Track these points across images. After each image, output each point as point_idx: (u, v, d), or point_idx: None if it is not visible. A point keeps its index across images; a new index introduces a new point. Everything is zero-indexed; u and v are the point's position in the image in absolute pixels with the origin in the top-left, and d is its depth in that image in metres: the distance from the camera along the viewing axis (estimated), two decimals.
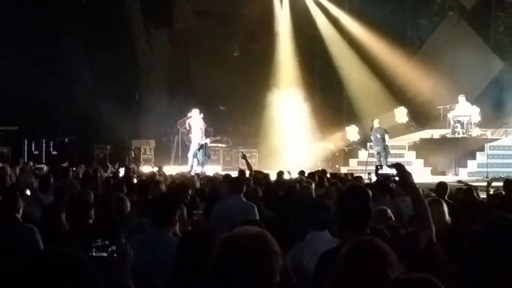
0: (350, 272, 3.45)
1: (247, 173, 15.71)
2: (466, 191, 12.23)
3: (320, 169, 19.68)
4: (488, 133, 27.99)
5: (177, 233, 6.87)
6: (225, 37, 32.56)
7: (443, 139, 28.03)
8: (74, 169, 18.33)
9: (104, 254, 4.13)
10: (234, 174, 15.49)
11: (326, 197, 10.71)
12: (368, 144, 27.57)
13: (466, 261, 4.84)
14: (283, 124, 30.25)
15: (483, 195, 13.26)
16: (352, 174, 19.65)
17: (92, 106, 27.58)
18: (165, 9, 31.64)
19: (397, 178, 5.18)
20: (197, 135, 25.87)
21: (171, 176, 18.18)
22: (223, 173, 17.43)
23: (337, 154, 30.65)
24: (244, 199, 10.06)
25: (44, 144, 30.09)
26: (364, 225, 4.99)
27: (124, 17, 31.03)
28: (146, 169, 24.59)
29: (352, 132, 30.52)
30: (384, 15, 31.26)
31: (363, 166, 25.91)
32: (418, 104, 31.37)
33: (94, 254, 4.10)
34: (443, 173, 26.12)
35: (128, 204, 9.79)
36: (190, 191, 11.74)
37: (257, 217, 9.06)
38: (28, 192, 11.37)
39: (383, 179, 5.36)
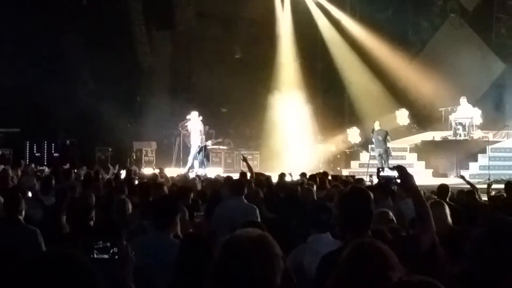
0: (352, 274, 3.44)
1: (248, 175, 15.69)
2: (468, 193, 12.21)
3: (321, 171, 19.66)
4: (490, 135, 27.98)
5: (179, 235, 6.87)
6: (226, 39, 32.57)
7: (445, 141, 28.02)
8: (75, 171, 18.34)
9: (106, 256, 4.12)
10: (236, 176, 15.48)
11: (328, 199, 10.70)
12: (369, 146, 27.56)
13: (468, 264, 4.83)
14: (285, 126, 30.26)
15: (484, 197, 13.24)
16: (353, 176, 19.64)
17: (93, 108, 27.59)
18: (167, 11, 31.65)
19: (398, 180, 5.17)
20: (196, 138, 25.88)
21: (172, 178, 18.17)
22: (225, 175, 17.42)
23: (338, 156, 30.64)
24: (246, 201, 10.05)
25: (45, 146, 30.10)
26: (366, 227, 4.99)
27: (125, 19, 31.04)
28: (147, 171, 24.58)
29: (353, 134, 30.51)
30: (385, 17, 31.27)
31: (364, 168, 25.91)
32: (419, 106, 31.37)
33: (95, 256, 4.10)
34: (445, 175, 26.11)
35: (130, 206, 9.80)
36: (191, 194, 11.73)
37: (259, 219, 9.06)
38: (29, 194, 11.37)
39: (385, 181, 5.36)
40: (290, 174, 17.13)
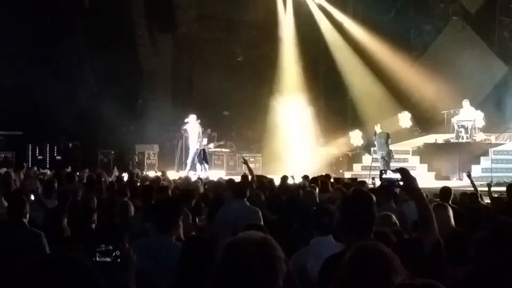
0: (354, 277, 3.44)
1: (249, 177, 15.68)
2: (470, 196, 12.20)
3: (324, 174, 19.65)
4: (492, 138, 27.96)
5: (181, 238, 6.86)
6: (228, 42, 32.59)
7: (447, 144, 28.00)
8: (78, 174, 18.33)
9: (108, 259, 4.12)
10: (238, 179, 15.48)
11: (330, 202, 10.69)
12: (372, 149, 27.54)
13: (471, 266, 4.83)
14: (287, 129, 30.24)
15: (487, 200, 13.21)
16: (356, 179, 19.61)
17: (95, 110, 27.62)
18: (169, 14, 31.66)
19: (401, 183, 5.17)
20: (194, 141, 25.90)
21: (174, 181, 18.16)
22: (227, 178, 17.42)
23: (341, 159, 30.61)
24: (248, 204, 10.05)
25: (48, 149, 30.12)
26: (368, 230, 4.98)
27: (127, 21, 31.05)
28: (150, 174, 24.57)
29: (356, 137, 30.49)
30: (388, 20, 31.24)
31: (367, 171, 25.89)
32: (422, 109, 31.36)
33: (97, 259, 4.10)
34: (447, 178, 26.08)
35: (132, 208, 9.80)
36: (194, 197, 11.73)
37: (262, 222, 9.05)
38: (32, 197, 11.37)
39: (388, 184, 5.35)
40: (292, 177, 17.12)
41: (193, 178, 20.55)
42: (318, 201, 11.39)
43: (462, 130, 27.33)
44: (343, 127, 31.60)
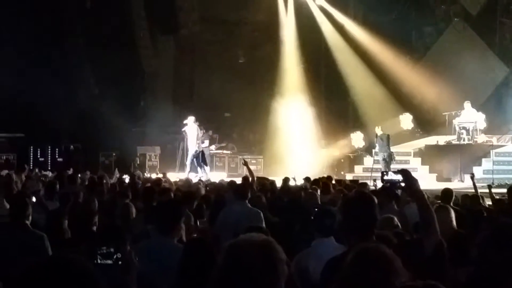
0: (356, 278, 3.43)
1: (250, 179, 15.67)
2: (472, 198, 12.20)
3: (325, 175, 19.64)
4: (494, 140, 27.93)
5: (183, 239, 6.86)
6: (230, 44, 32.60)
7: (449, 146, 27.98)
8: (80, 176, 18.34)
9: (109, 262, 4.12)
10: (240, 180, 15.47)
11: (331, 204, 10.69)
12: (373, 150, 27.53)
13: (473, 267, 4.84)
14: (288, 130, 30.23)
15: (489, 202, 13.20)
16: (357, 180, 19.61)
17: (97, 113, 27.62)
18: (171, 15, 31.67)
19: (403, 184, 5.16)
20: (192, 143, 25.90)
21: (175, 183, 18.16)
22: (228, 179, 17.42)
23: (342, 160, 30.60)
24: (250, 205, 10.05)
25: (49, 151, 30.14)
26: (370, 232, 4.98)
27: (129, 23, 31.06)
28: (150, 176, 24.59)
29: (357, 139, 30.48)
30: (389, 21, 31.24)
31: (368, 173, 25.86)
32: (423, 110, 31.35)
33: (99, 261, 4.09)
34: (449, 180, 26.05)
35: (134, 210, 9.80)
36: (196, 199, 11.72)
37: (263, 223, 9.05)
38: (33, 199, 11.37)
39: (390, 185, 5.34)
40: (294, 179, 17.13)
41: (194, 180, 20.55)
42: (319, 203, 11.38)
43: (464, 131, 27.31)
44: (345, 129, 31.58)
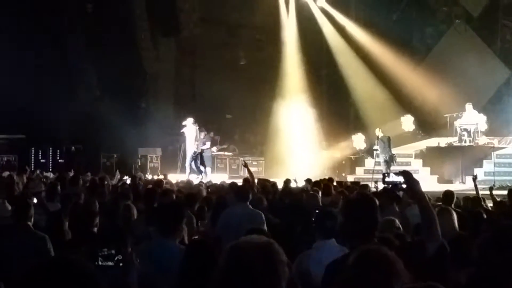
0: (357, 280, 3.42)
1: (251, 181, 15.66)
2: (473, 200, 12.19)
3: (326, 177, 19.64)
4: (495, 141, 27.93)
5: (185, 241, 6.85)
6: (231, 45, 32.60)
7: (450, 148, 27.98)
8: (81, 177, 18.33)
9: (110, 263, 4.12)
10: (241, 182, 15.46)
11: (332, 206, 10.68)
12: (374, 152, 27.53)
13: (474, 269, 4.84)
14: (290, 132, 30.25)
15: (490, 204, 13.19)
16: (358, 182, 19.60)
17: (98, 114, 27.62)
18: (172, 17, 31.67)
19: (404, 186, 5.16)
20: (191, 144, 25.91)
21: (177, 184, 18.15)
22: (230, 181, 17.41)
23: (343, 162, 30.62)
24: (251, 207, 10.04)
25: (50, 153, 30.13)
26: (371, 234, 4.97)
27: (130, 25, 31.06)
28: (150, 177, 24.57)
29: (358, 141, 30.48)
30: (390, 23, 31.26)
31: (369, 175, 25.86)
32: (424, 112, 31.35)
33: (100, 263, 4.09)
34: (450, 182, 26.07)
35: (135, 212, 9.79)
36: (197, 200, 11.73)
37: (265, 225, 9.05)
38: (35, 200, 11.37)
39: (391, 187, 5.34)
40: (295, 180, 17.13)
41: (195, 181, 20.55)
42: (320, 204, 11.37)
43: (465, 133, 27.32)
44: (346, 131, 31.59)
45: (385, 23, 30.99)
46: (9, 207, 10.61)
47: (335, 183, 16.90)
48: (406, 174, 5.18)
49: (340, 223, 6.47)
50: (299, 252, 6.92)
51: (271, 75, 31.42)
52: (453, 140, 27.89)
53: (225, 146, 30.59)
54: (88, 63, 30.46)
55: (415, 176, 5.24)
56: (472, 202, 12.00)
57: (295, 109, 30.36)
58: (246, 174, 19.86)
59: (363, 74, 31.44)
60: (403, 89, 31.43)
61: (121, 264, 4.14)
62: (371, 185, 18.06)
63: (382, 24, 30.90)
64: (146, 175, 25.52)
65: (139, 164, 29.59)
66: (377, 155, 26.70)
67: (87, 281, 2.54)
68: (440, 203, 10.75)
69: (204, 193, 14.52)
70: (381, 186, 14.15)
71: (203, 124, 27.62)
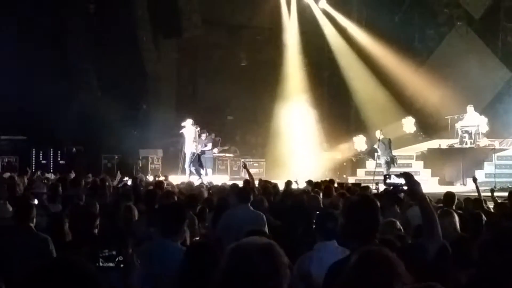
0: (358, 282, 3.43)
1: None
2: (474, 201, 12.19)
3: (328, 179, 19.64)
4: (496, 143, 27.93)
5: (187, 243, 6.85)
6: (233, 47, 32.60)
7: (451, 149, 27.99)
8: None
9: (111, 264, 4.13)
10: (242, 184, 15.46)
11: (332, 207, 10.69)
12: (375, 154, 27.54)
13: (475, 270, 4.84)
14: (291, 134, 30.26)
15: (491, 205, 13.19)
16: (359, 184, 19.60)
17: (99, 115, 27.61)
18: (173, 18, 31.65)
19: (405, 188, 5.16)
20: (190, 145, 25.91)
21: (177, 186, 18.16)
22: (231, 182, 17.41)
23: (344, 164, 30.61)
24: (252, 208, 10.04)
25: (51, 154, 30.11)
26: (372, 236, 4.97)
27: (132, 26, 31.05)
28: (151, 179, 24.57)
29: (359, 142, 30.48)
30: (392, 25, 31.25)
31: (370, 176, 25.86)
32: (426, 114, 31.35)
33: (101, 264, 4.10)
34: (451, 183, 26.07)
35: (136, 213, 9.80)
36: (199, 202, 11.74)
37: (266, 226, 9.05)
38: (36, 201, 11.37)
39: (392, 189, 5.34)
40: (296, 182, 17.13)
41: (196, 183, 20.55)
42: (322, 206, 11.38)
43: (466, 135, 27.33)
44: (347, 132, 31.59)
45: (386, 25, 30.98)
46: (10, 208, 10.62)
47: (336, 185, 16.90)
48: (407, 176, 5.18)
49: (341, 225, 6.49)
50: (300, 253, 6.91)
51: (272, 77, 31.41)
52: (454, 142, 27.90)
53: (226, 148, 30.59)
54: (90, 64, 30.46)
55: (416, 177, 5.24)
56: (474, 204, 12.01)
57: (296, 110, 30.37)
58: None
59: (364, 76, 31.43)
60: (404, 91, 31.43)
61: (122, 265, 4.14)
62: (372, 186, 18.07)
63: (384, 26, 30.88)
64: (147, 177, 25.52)
65: (140, 165, 29.57)
66: (378, 157, 26.71)
67: (89, 282, 2.55)
68: (441, 205, 10.76)
69: (206, 194, 14.52)
70: (382, 187, 14.17)
71: (204, 125, 27.62)
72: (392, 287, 3.32)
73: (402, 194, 9.40)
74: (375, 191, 16.14)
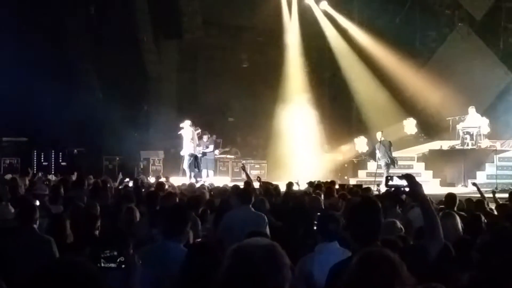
0: (360, 283, 3.43)
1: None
2: (476, 203, 12.19)
3: (329, 180, 19.65)
4: (497, 145, 27.89)
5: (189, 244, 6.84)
6: (234, 48, 32.60)
7: (452, 151, 27.97)
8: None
9: (113, 265, 4.13)
10: (243, 185, 15.47)
11: (335, 209, 10.70)
12: (377, 155, 27.53)
13: (475, 271, 4.85)
14: (292, 135, 30.24)
15: (493, 206, 13.18)
16: (361, 185, 19.61)
17: (100, 117, 27.64)
18: (175, 20, 31.67)
19: (407, 189, 5.16)
20: (188, 146, 25.91)
21: (179, 187, 18.17)
22: (232, 184, 17.42)
23: (346, 165, 30.59)
24: (253, 210, 10.04)
25: (53, 155, 30.15)
26: (374, 237, 4.98)
27: (133, 27, 31.08)
28: (151, 180, 24.58)
29: (361, 144, 30.46)
30: (393, 26, 31.23)
31: (372, 178, 25.86)
32: (427, 115, 31.34)
33: (102, 265, 4.10)
34: (452, 185, 26.04)
35: (138, 214, 9.80)
36: (201, 203, 11.74)
37: (267, 227, 9.05)
38: (37, 202, 11.38)
39: (394, 190, 5.34)
40: (297, 183, 17.14)
41: (198, 184, 20.55)
42: (323, 207, 11.39)
43: (467, 136, 27.31)
44: (348, 134, 31.58)
45: (388, 26, 30.97)
46: (12, 210, 10.63)
47: (337, 186, 16.92)
48: (409, 177, 5.18)
49: (343, 226, 6.49)
50: (302, 255, 6.92)
51: (273, 78, 31.40)
52: (456, 143, 27.88)
53: (227, 149, 30.60)
54: (91, 65, 30.49)
55: (417, 179, 5.24)
56: (475, 205, 12.01)
57: (298, 112, 30.35)
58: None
59: (365, 77, 31.43)
60: (405, 92, 31.42)
61: (123, 266, 4.14)
62: (374, 188, 18.07)
63: (385, 27, 30.88)
64: (149, 178, 25.53)
65: (142, 166, 29.60)
66: (379, 159, 26.71)
67: (91, 282, 2.56)
68: (442, 206, 10.76)
69: (207, 196, 14.53)
70: (383, 189, 14.17)
71: (205, 127, 27.64)
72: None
73: (403, 196, 9.41)
74: (376, 192, 16.14)
